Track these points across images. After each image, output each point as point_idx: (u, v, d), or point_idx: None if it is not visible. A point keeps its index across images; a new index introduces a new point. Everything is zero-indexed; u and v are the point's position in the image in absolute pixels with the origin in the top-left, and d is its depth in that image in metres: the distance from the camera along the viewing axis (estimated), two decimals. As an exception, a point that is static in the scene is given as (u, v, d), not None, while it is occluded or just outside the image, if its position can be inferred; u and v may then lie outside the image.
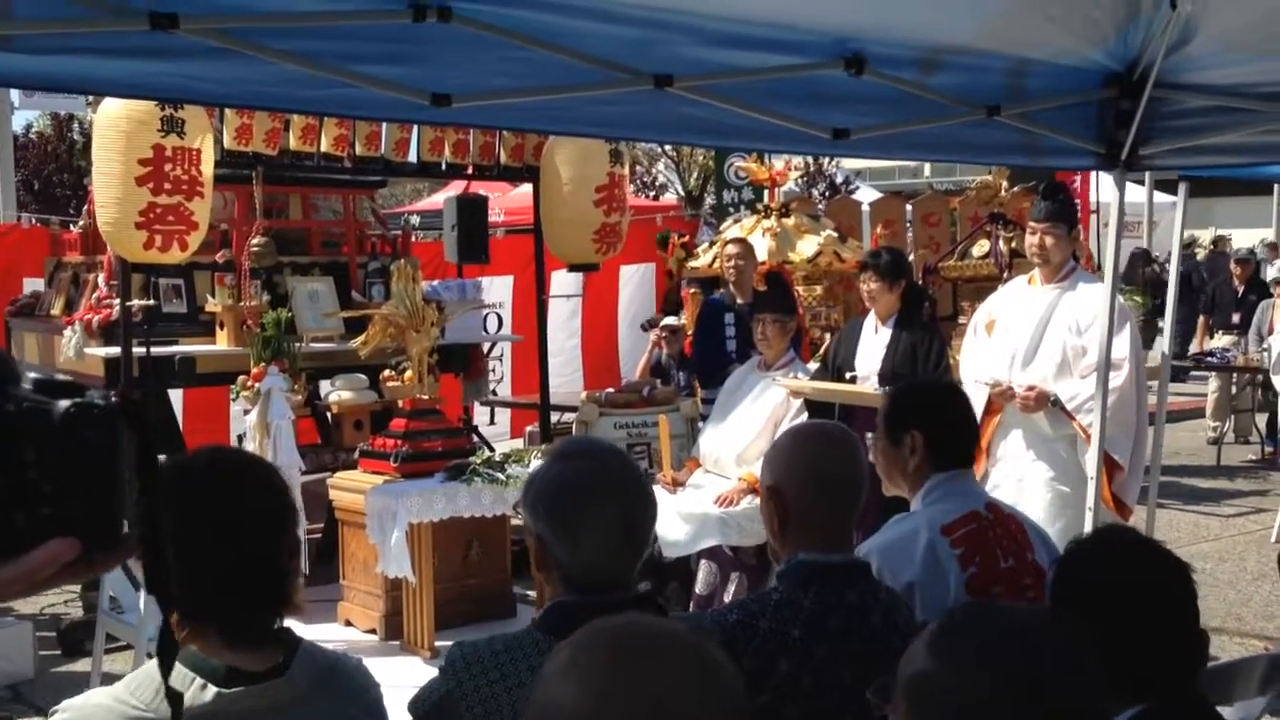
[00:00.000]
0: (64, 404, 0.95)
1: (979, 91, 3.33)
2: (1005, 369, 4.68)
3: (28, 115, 24.20)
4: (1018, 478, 4.70)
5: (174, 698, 1.35)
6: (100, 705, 1.60)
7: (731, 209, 11.15)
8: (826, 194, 19.91)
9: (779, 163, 8.99)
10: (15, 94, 13.63)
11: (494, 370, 9.33)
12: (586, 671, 1.09)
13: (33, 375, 1.00)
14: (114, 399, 0.99)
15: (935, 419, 2.73)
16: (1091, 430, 4.17)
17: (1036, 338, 4.65)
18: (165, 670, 1.33)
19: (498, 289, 9.60)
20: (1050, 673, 1.28)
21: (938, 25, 3.00)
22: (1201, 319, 12.09)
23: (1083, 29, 3.08)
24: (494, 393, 9.14)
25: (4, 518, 0.93)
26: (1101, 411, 3.98)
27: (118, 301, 5.99)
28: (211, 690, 1.58)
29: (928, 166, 32.26)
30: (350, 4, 2.49)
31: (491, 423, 9.26)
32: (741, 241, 7.03)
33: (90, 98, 6.57)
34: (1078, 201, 8.60)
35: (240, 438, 7.36)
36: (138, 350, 5.91)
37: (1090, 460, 4.10)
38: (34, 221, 13.94)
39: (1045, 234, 4.64)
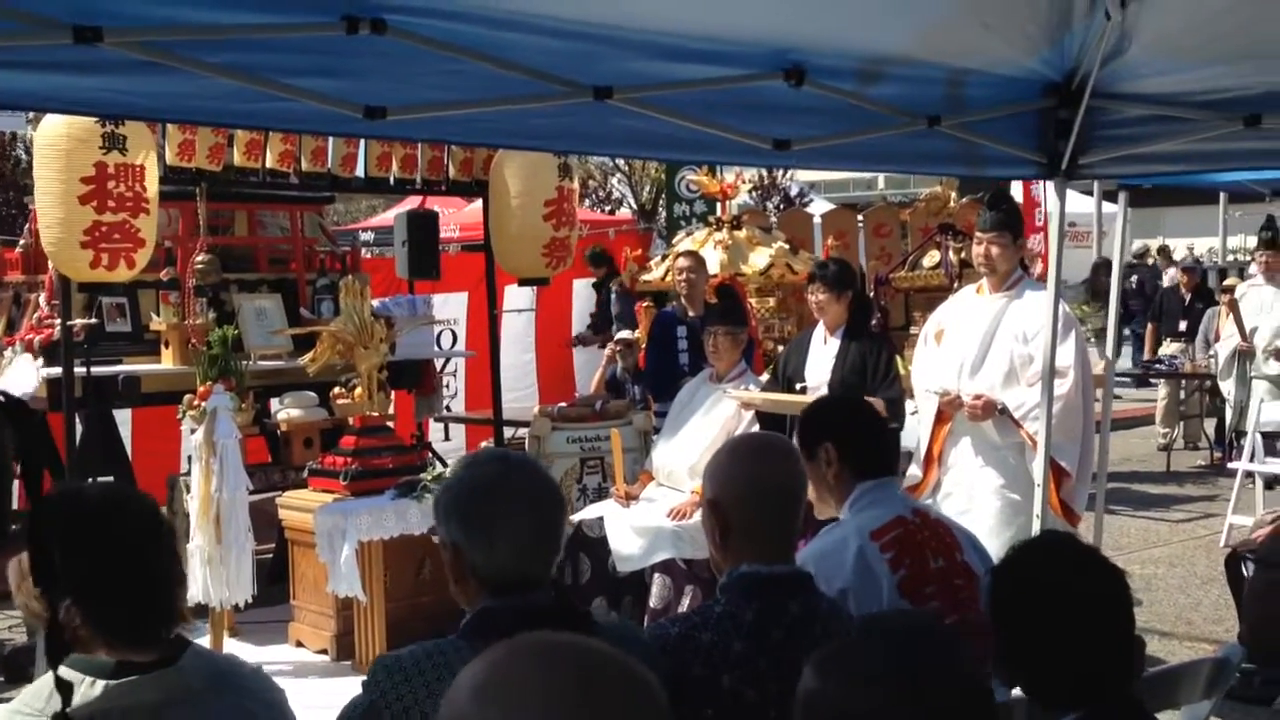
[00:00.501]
0: None
1: (919, 102, 3.36)
2: (954, 378, 4.70)
3: (-31, 134, 23.85)
4: (968, 485, 4.73)
5: (63, 687, 1.39)
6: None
7: (683, 222, 11.16)
8: (781, 206, 20.02)
9: (730, 175, 9.02)
10: (-42, 112, 13.42)
11: (448, 386, 9.27)
12: (502, 692, 1.06)
13: None
14: None
15: (843, 429, 2.80)
16: (1038, 438, 4.19)
17: (984, 347, 4.68)
18: (54, 660, 1.36)
19: (452, 305, 9.54)
20: (930, 683, 1.30)
21: (875, 35, 3.01)
22: (1150, 327, 12.25)
23: (1019, 38, 3.11)
24: (448, 408, 9.08)
25: None
26: (1047, 419, 4.00)
27: (59, 321, 5.89)
28: (101, 684, 1.62)
29: (881, 179, 32.49)
30: (281, 16, 2.46)
31: (446, 438, 9.20)
32: (693, 254, 7.04)
33: (30, 115, 6.46)
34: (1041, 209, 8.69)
35: (190, 458, 7.29)
36: (79, 370, 5.81)
37: (1037, 468, 4.13)
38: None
39: (991, 244, 4.66)
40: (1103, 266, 14.12)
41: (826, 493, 2.82)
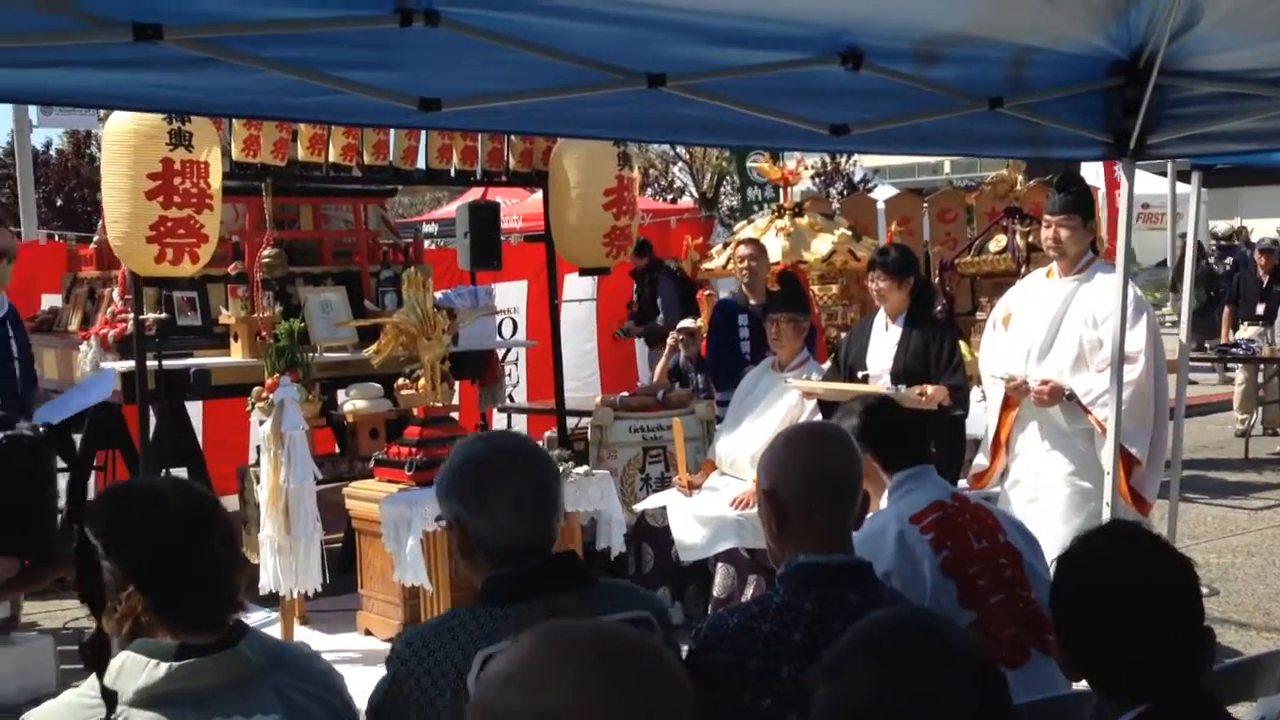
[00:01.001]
0: None
1: (980, 83, 3.29)
2: (1022, 363, 4.63)
3: (48, 133, 24.46)
4: (1035, 472, 4.65)
5: (108, 696, 1.44)
6: (61, 703, 1.69)
7: (755, 207, 11.10)
8: (844, 192, 19.85)
9: (792, 162, 8.95)
10: (34, 112, 13.73)
11: (510, 375, 9.31)
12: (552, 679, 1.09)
13: None
14: (40, 430, 1.06)
15: (866, 427, 2.90)
16: (1107, 424, 4.11)
17: (1052, 331, 4.60)
18: (100, 669, 1.40)
19: (511, 294, 9.58)
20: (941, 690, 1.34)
21: (933, 14, 2.95)
22: (1227, 310, 11.94)
23: (1082, 12, 3.03)
24: (510, 398, 9.11)
25: None
26: (1116, 405, 3.92)
27: (132, 315, 6.01)
28: (164, 667, 1.67)
29: (947, 163, 32.04)
30: (335, 10, 2.48)
31: (508, 425, 9.24)
32: (754, 242, 6.99)
33: (101, 113, 6.59)
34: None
35: (259, 449, 7.41)
36: (151, 364, 5.92)
37: (1106, 455, 4.04)
38: (53, 237, 14.06)
39: (1060, 226, 4.58)
40: (1194, 249, 13.77)
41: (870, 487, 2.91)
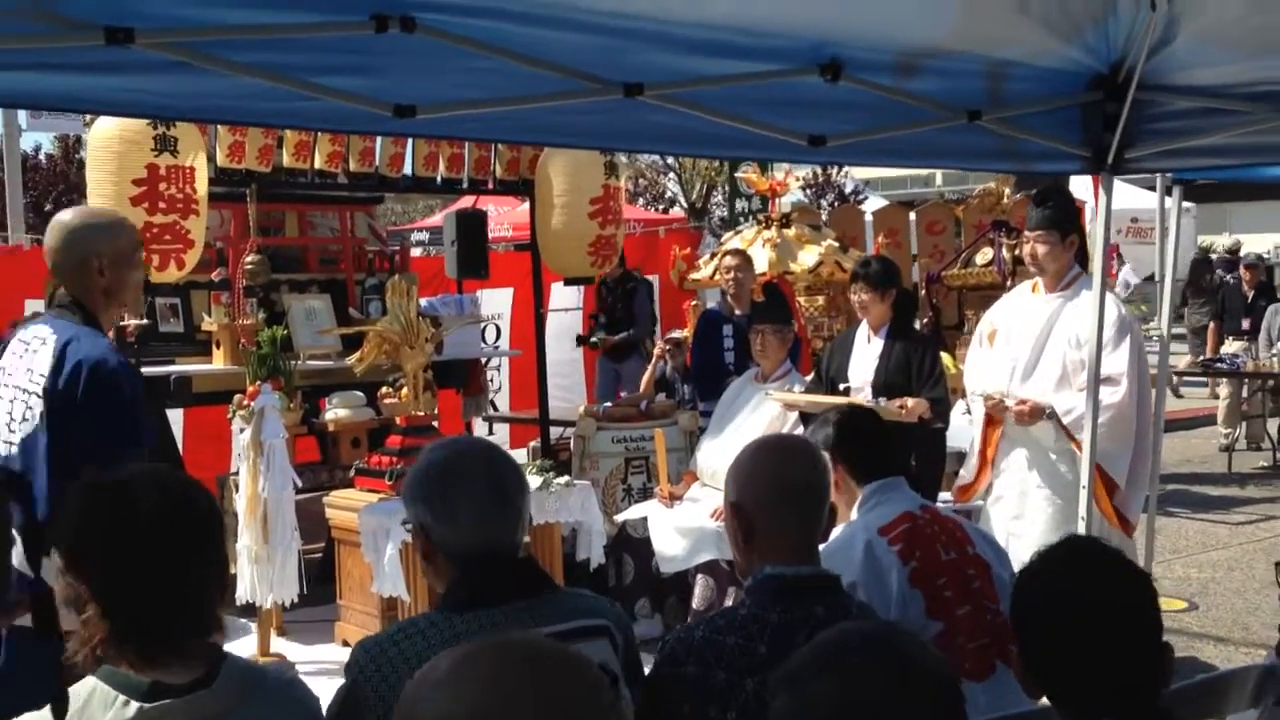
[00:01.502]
0: None
1: (959, 96, 3.29)
2: (1006, 380, 4.59)
3: (37, 137, 24.41)
4: (1020, 491, 4.62)
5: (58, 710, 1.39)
6: None
7: (742, 218, 11.11)
8: (835, 203, 19.89)
9: (780, 173, 8.96)
10: (23, 116, 13.72)
11: (492, 380, 9.28)
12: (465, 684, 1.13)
13: None
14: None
15: (838, 437, 2.92)
16: (1084, 444, 4.11)
17: (1037, 350, 4.55)
18: (59, 714, 1.35)
19: (497, 301, 9.57)
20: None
21: (911, 25, 2.96)
22: (1212, 325, 11.99)
23: (1058, 22, 3.03)
24: (493, 405, 9.09)
25: None
26: (1092, 425, 3.90)
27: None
28: (134, 706, 1.57)
29: (939, 175, 32.13)
30: (311, 16, 2.47)
31: (490, 433, 9.23)
32: (739, 253, 7.00)
33: (87, 118, 6.57)
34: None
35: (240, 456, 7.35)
36: (132, 370, 5.89)
37: (1083, 473, 4.03)
38: (40, 243, 14.03)
39: (1038, 242, 4.53)
40: (1203, 263, 13.78)
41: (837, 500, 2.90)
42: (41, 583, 2.65)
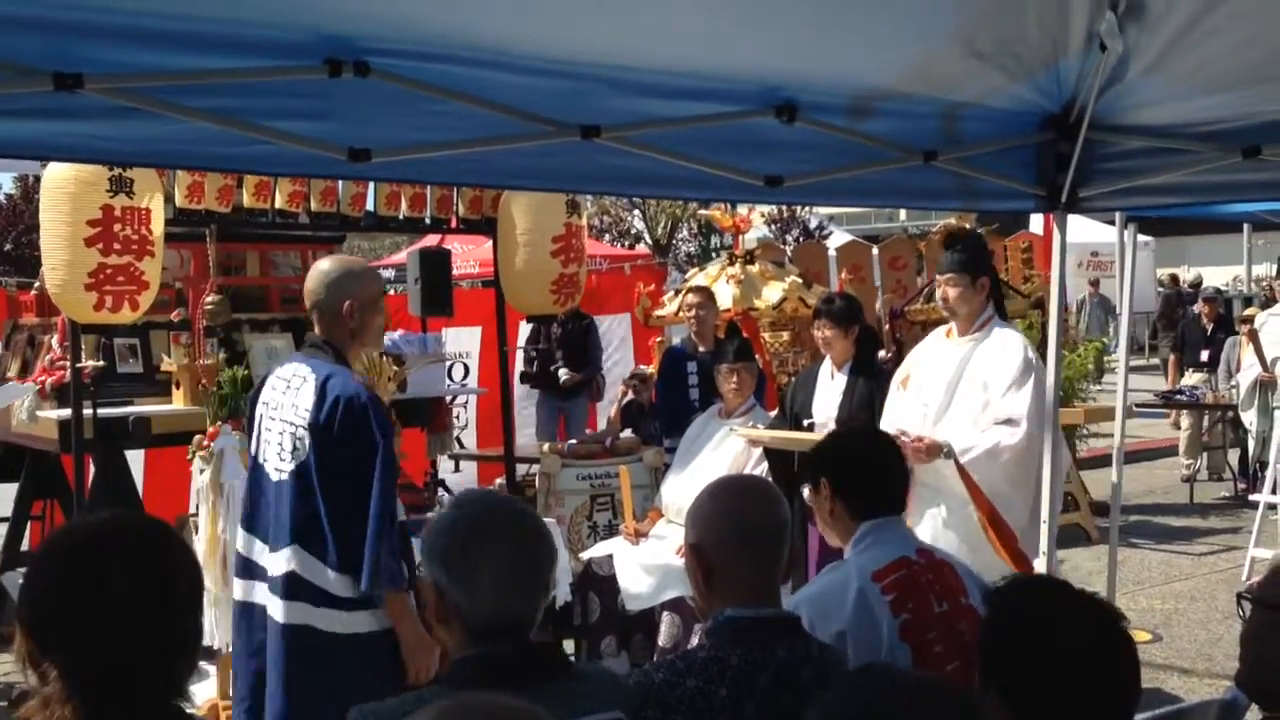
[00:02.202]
0: None
1: (913, 137, 3.33)
2: (919, 426, 4.41)
3: (-1, 177, 24.21)
4: (932, 537, 4.47)
5: None
6: None
7: (715, 254, 11.13)
8: (800, 239, 20.02)
9: (744, 209, 9.01)
10: (-18, 156, 13.55)
11: (458, 417, 9.23)
12: None
13: None
14: None
15: (840, 466, 2.76)
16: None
17: (949, 394, 4.40)
18: None
19: (464, 339, 9.54)
20: None
21: (866, 69, 2.99)
22: (1172, 357, 12.13)
23: (1011, 66, 3.07)
24: (459, 442, 9.05)
25: None
26: (1052, 462, 3.83)
27: (70, 362, 5.92)
28: None
29: (903, 211, 32.40)
30: (264, 61, 2.46)
31: (456, 469, 9.17)
32: (703, 290, 7.02)
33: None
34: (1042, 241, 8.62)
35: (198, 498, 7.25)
36: (88, 412, 5.82)
37: (1044, 506, 4.03)
38: None
39: (948, 285, 4.39)
40: (1174, 297, 13.91)
41: (827, 527, 2.81)
42: None
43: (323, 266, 3.47)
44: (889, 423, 4.61)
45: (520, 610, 1.94)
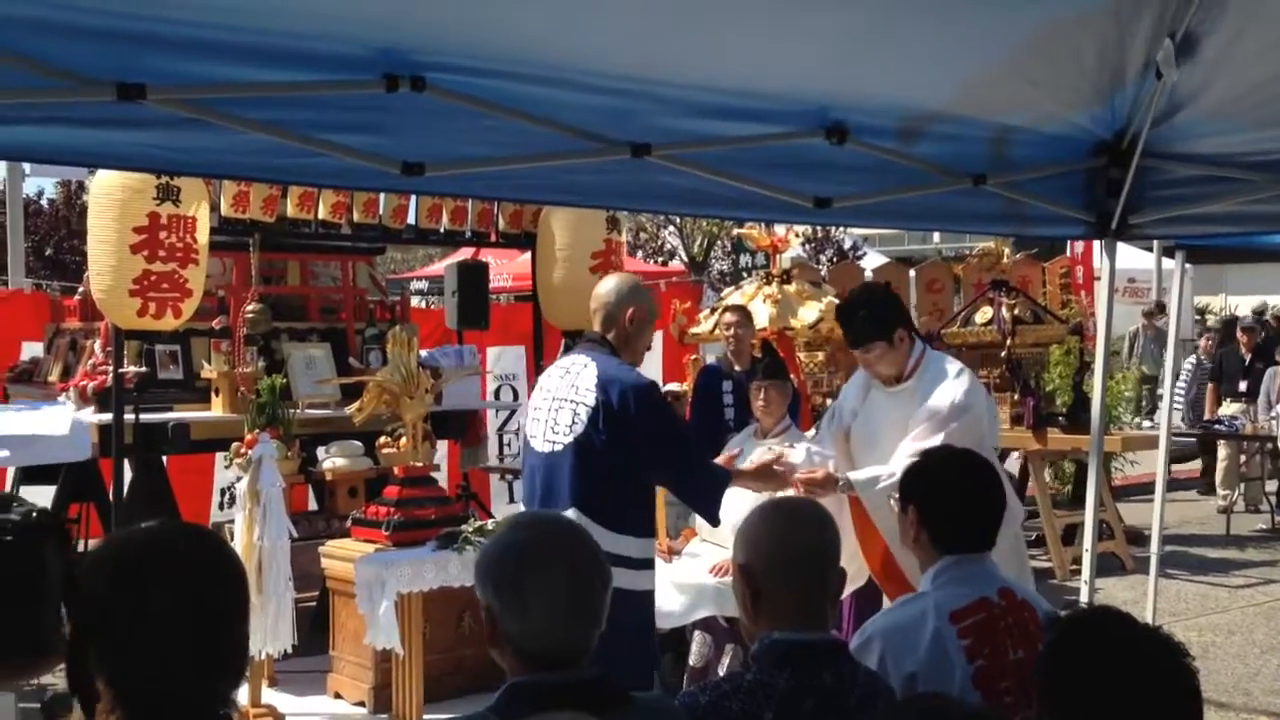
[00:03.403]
0: None
1: (964, 160, 3.32)
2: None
3: (40, 182, 24.52)
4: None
5: None
6: None
7: (745, 273, 11.11)
8: (834, 259, 19.97)
9: (781, 229, 9.00)
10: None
11: (509, 445, 9.18)
12: None
13: None
14: (34, 517, 1.02)
15: (929, 496, 2.61)
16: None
17: (891, 444, 4.02)
18: None
19: (507, 359, 9.46)
20: None
21: (918, 92, 2.98)
22: (1210, 387, 11.99)
23: (1067, 95, 3.07)
24: (501, 460, 9.04)
25: None
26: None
27: (112, 368, 5.97)
28: None
29: (937, 233, 32.31)
30: (322, 74, 2.49)
31: (511, 500, 9.02)
32: (740, 309, 7.00)
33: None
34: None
35: (222, 502, 7.29)
36: (130, 417, 5.87)
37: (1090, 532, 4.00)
38: (40, 287, 14.06)
39: (865, 355, 4.06)
40: (1231, 323, 13.65)
41: (910, 552, 2.73)
42: None
43: (615, 279, 3.95)
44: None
45: (574, 641, 1.89)
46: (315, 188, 5.86)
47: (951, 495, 2.61)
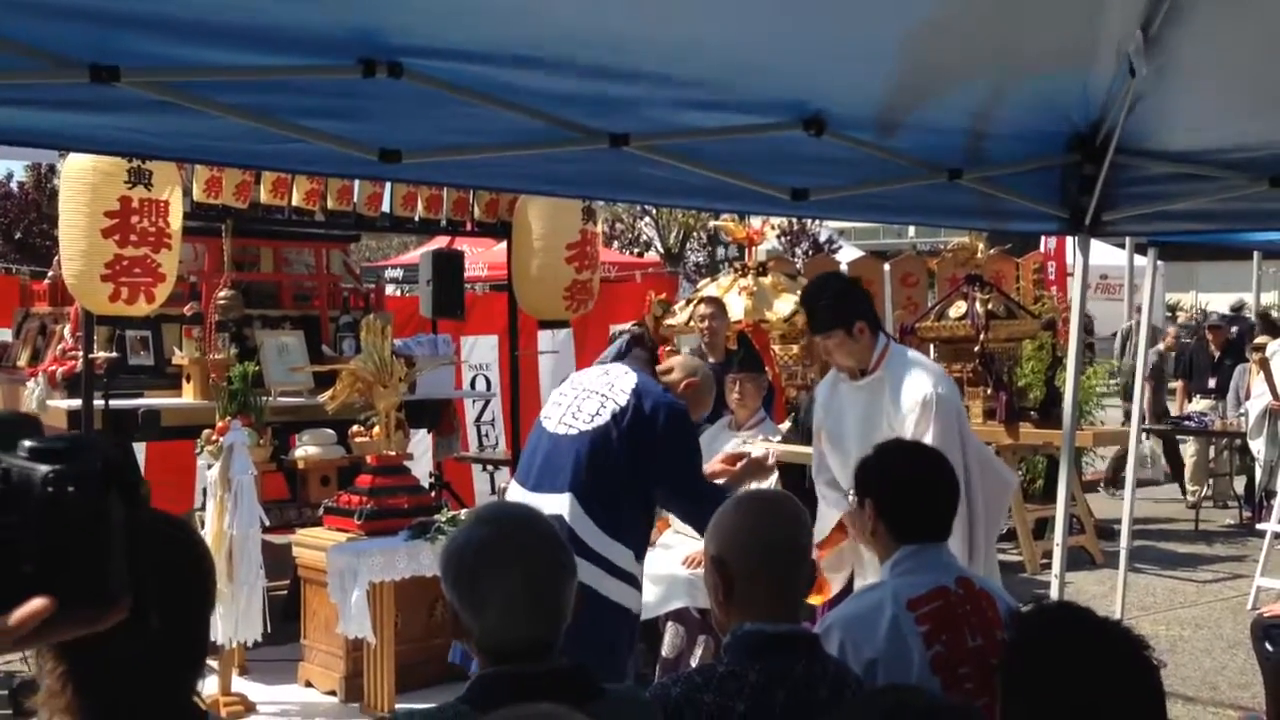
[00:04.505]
0: (43, 470, 1.00)
1: (940, 154, 3.33)
2: (845, 480, 4.03)
3: (8, 165, 24.26)
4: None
5: None
6: None
7: (722, 265, 11.11)
8: (809, 253, 20.01)
9: (757, 221, 9.01)
10: (-3, 143, 13.54)
11: (487, 436, 9.15)
12: None
13: (28, 444, 1.02)
14: (99, 464, 1.02)
15: (886, 487, 2.65)
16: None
17: (866, 443, 3.57)
18: None
19: (481, 349, 9.45)
20: None
21: (892, 82, 2.98)
22: (1180, 384, 12.10)
23: (1041, 82, 3.07)
24: (481, 450, 9.01)
25: None
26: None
27: (82, 353, 5.92)
28: None
29: (911, 228, 32.41)
30: (298, 59, 2.46)
31: (493, 491, 8.99)
32: (715, 301, 7.01)
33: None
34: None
35: (204, 493, 7.23)
36: (99, 403, 5.82)
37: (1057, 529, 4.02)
38: (9, 271, 13.89)
39: (825, 342, 4.04)
40: (1221, 319, 13.72)
41: (867, 545, 2.76)
42: None
43: (693, 362, 4.13)
44: (819, 475, 4.34)
45: (535, 636, 1.88)
46: (290, 174, 5.81)
47: (906, 487, 2.65)
